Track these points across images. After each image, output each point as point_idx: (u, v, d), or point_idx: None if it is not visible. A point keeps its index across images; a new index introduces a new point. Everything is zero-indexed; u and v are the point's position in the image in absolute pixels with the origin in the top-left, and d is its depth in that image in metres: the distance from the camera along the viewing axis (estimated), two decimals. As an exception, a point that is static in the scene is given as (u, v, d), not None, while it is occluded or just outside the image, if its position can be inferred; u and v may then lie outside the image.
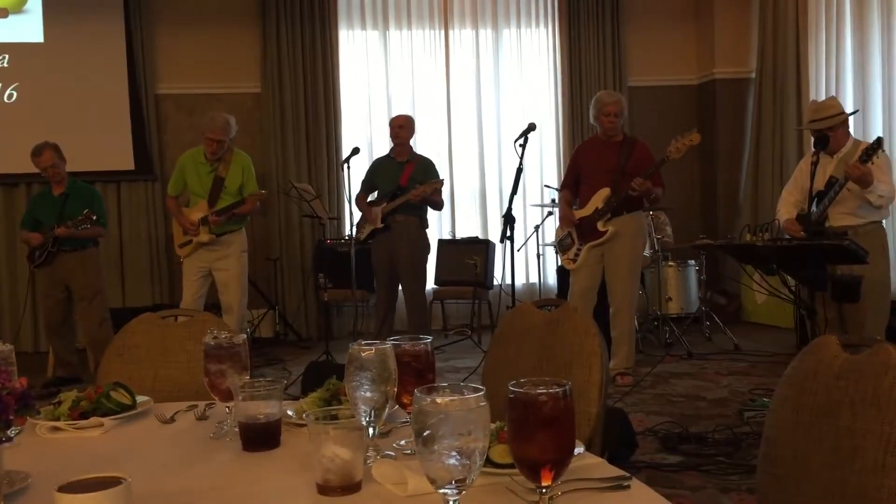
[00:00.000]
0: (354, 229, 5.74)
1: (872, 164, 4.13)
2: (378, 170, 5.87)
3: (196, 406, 1.85)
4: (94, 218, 5.48)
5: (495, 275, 7.05)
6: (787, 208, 4.56)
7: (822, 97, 6.93)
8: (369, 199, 5.86)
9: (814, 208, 4.33)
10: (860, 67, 6.63)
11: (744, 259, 4.78)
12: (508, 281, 5.60)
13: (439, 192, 5.66)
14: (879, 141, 4.27)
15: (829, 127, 4.40)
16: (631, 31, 7.93)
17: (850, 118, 4.74)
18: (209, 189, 5.43)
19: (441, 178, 5.77)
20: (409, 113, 6.65)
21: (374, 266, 5.82)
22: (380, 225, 5.62)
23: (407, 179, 5.63)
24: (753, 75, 7.63)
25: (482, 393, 1.07)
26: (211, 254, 5.45)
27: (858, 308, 4.27)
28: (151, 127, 7.47)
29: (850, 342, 1.35)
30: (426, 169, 5.74)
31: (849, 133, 4.56)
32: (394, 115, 7.25)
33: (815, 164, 4.26)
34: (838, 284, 4.16)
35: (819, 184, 4.35)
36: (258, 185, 5.66)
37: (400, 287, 5.82)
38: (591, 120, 5.37)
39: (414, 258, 5.68)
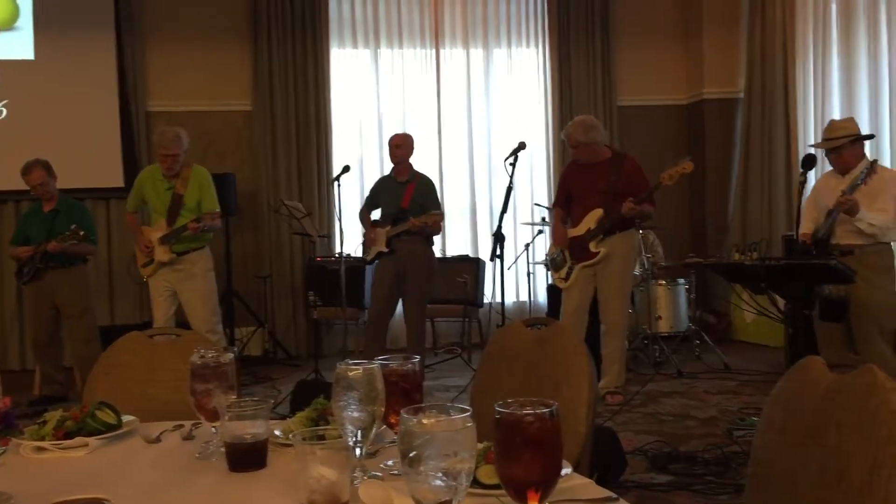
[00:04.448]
0: (362, 249, 5.72)
1: (866, 185, 4.19)
2: (380, 190, 5.88)
3: (182, 426, 1.84)
4: (82, 234, 5.43)
5: (485, 293, 7.05)
6: (807, 224, 4.63)
7: (811, 117, 7.03)
8: (373, 217, 5.88)
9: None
10: (847, 88, 6.70)
11: (733, 278, 4.82)
12: (498, 299, 5.59)
13: (438, 222, 5.67)
14: (872, 163, 4.32)
15: (838, 146, 4.49)
16: (620, 51, 7.98)
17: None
18: (168, 206, 5.29)
19: (441, 210, 5.77)
20: (400, 131, 6.66)
21: (375, 284, 5.80)
22: (385, 249, 5.63)
23: (408, 201, 5.64)
24: (742, 95, 7.69)
25: (468, 414, 1.07)
26: (175, 273, 5.29)
27: (863, 330, 4.29)
28: (141, 144, 7.45)
29: (836, 362, 1.35)
30: (426, 190, 5.75)
31: (863, 154, 4.61)
32: (385, 133, 7.30)
33: (802, 183, 4.30)
34: (826, 304, 4.19)
35: (832, 202, 4.44)
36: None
37: (399, 307, 5.82)
38: None
39: (420, 281, 5.67)
